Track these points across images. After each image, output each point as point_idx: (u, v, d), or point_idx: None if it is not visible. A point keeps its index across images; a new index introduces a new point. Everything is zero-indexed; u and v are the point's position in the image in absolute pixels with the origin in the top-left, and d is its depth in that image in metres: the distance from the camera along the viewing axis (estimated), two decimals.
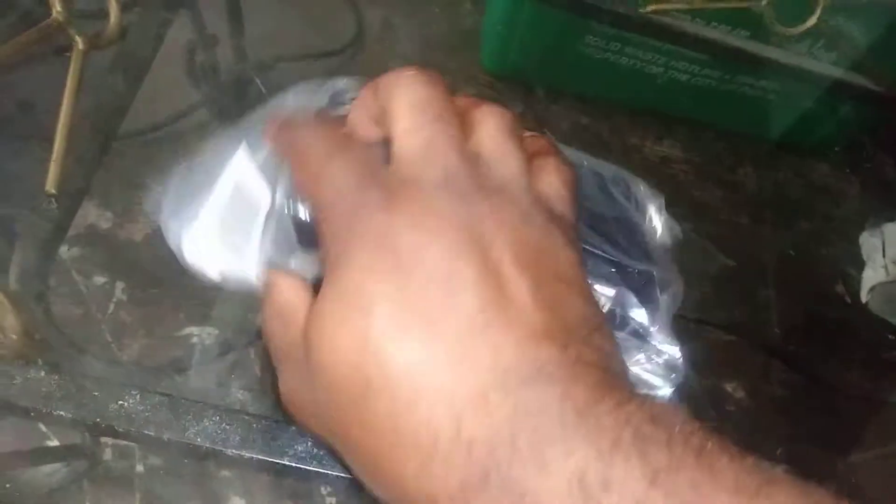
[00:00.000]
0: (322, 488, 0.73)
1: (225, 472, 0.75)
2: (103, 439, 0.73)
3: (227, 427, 0.37)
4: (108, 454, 0.74)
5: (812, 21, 0.77)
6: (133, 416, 0.36)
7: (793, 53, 0.90)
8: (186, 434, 0.36)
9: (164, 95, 0.90)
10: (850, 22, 0.89)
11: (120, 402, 0.37)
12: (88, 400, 0.36)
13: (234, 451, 0.36)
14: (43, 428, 0.73)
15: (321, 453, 0.37)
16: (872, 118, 0.95)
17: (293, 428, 0.38)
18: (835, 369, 0.83)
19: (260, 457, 0.36)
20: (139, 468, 0.74)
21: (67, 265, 0.82)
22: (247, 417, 0.37)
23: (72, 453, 0.71)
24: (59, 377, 0.37)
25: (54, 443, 0.72)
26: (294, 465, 0.37)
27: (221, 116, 0.91)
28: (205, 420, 0.37)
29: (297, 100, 0.31)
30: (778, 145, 1.04)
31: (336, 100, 0.34)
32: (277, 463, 0.37)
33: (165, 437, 0.36)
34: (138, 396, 0.37)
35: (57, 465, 0.71)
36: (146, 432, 0.36)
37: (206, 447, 0.36)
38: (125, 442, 0.75)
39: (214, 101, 0.90)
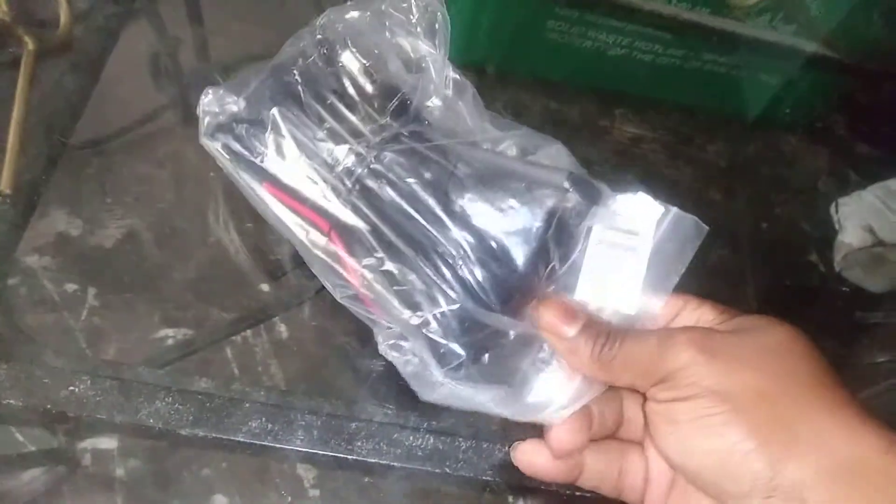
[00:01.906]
0: (299, 465, 0.73)
1: (206, 471, 0.75)
2: (81, 444, 0.73)
3: (180, 407, 0.37)
4: (87, 459, 0.74)
5: None
6: (84, 400, 0.36)
7: (753, 27, 0.91)
8: (139, 416, 0.36)
9: (130, 101, 0.90)
10: None
11: (71, 388, 0.37)
12: (38, 387, 0.36)
13: (187, 430, 0.36)
14: (19, 437, 0.72)
15: (276, 428, 0.37)
16: (835, 88, 0.96)
17: (247, 404, 0.38)
18: (810, 337, 0.83)
19: (214, 435, 0.36)
20: (119, 472, 0.74)
21: (38, 274, 0.81)
22: (199, 397, 0.37)
23: (50, 459, 0.71)
24: (7, 366, 0.37)
25: (30, 449, 0.71)
26: (249, 441, 0.37)
27: (186, 119, 0.91)
28: (157, 402, 0.37)
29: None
30: (746, 121, 1.04)
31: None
32: (232, 440, 0.37)
33: (117, 419, 0.36)
34: (88, 381, 0.37)
35: (36, 472, 0.71)
36: (98, 416, 0.36)
37: (159, 428, 0.36)
38: (105, 446, 0.75)
39: (179, 104, 0.90)
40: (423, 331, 0.29)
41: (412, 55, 0.36)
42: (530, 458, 0.32)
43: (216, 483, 0.75)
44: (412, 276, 0.30)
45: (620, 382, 0.30)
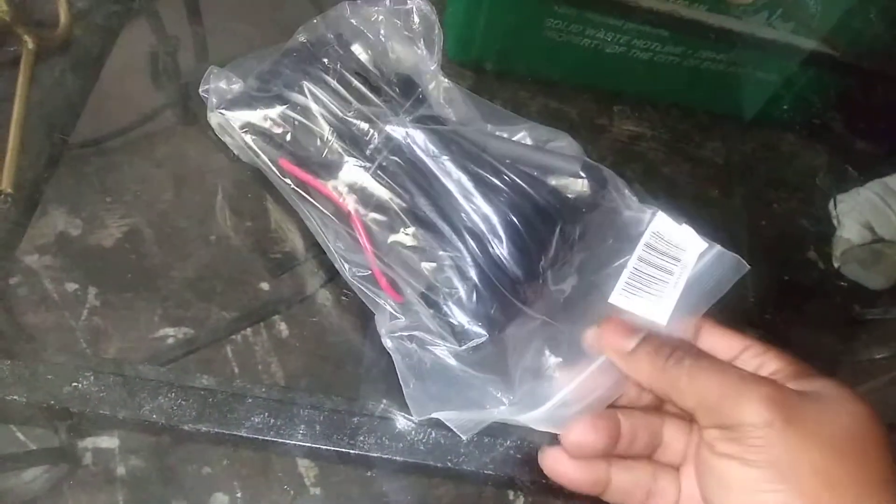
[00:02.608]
0: (300, 461, 0.73)
1: (207, 469, 0.75)
2: (82, 443, 0.73)
3: (183, 402, 0.37)
4: (88, 458, 0.74)
5: None
6: (87, 396, 0.36)
7: (751, 24, 0.92)
8: (142, 412, 0.36)
9: (129, 100, 0.90)
10: None
11: (74, 384, 0.37)
12: (42, 383, 0.37)
13: (190, 425, 0.36)
14: (20, 436, 0.72)
15: (278, 423, 0.38)
16: (833, 85, 0.96)
17: (249, 400, 0.38)
18: (809, 334, 0.83)
19: (216, 430, 0.37)
20: (121, 470, 0.74)
21: (39, 274, 0.81)
22: (202, 392, 0.37)
23: (51, 458, 0.71)
24: (11, 362, 0.37)
25: (31, 448, 0.71)
26: (251, 436, 0.37)
27: (186, 118, 0.91)
28: (160, 397, 0.37)
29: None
30: (744, 118, 1.05)
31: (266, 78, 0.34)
32: (235, 435, 0.37)
33: (121, 415, 0.36)
34: (92, 377, 0.37)
35: (37, 472, 0.71)
36: (101, 412, 0.36)
37: (163, 423, 0.36)
38: (106, 445, 0.75)
39: (178, 104, 0.90)
40: (445, 307, 0.30)
41: (407, 60, 0.37)
42: (551, 462, 0.31)
43: (218, 481, 0.75)
44: (441, 252, 0.31)
45: (681, 402, 0.29)
